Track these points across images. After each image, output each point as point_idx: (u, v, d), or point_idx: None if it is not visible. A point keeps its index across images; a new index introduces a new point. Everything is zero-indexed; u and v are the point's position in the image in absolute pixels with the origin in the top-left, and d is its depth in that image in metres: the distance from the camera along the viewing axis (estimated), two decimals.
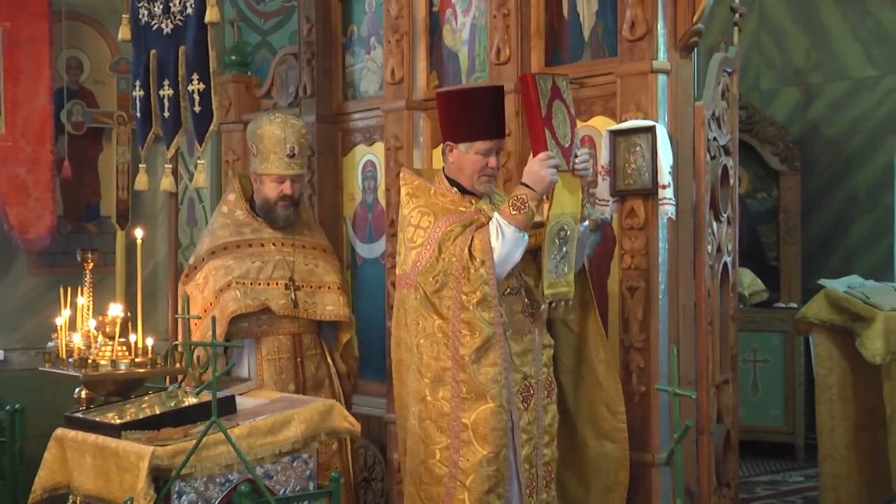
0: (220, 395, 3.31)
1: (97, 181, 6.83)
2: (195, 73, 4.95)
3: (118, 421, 3.36)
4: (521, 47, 4.39)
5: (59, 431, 3.49)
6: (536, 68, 4.34)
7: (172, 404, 3.51)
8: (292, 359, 4.33)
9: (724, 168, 4.34)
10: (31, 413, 4.65)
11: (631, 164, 3.95)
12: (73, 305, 4.37)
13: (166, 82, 5.13)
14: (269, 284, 4.27)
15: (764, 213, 7.44)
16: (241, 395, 3.73)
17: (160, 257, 6.80)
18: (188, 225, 6.87)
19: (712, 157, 4.22)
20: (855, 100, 7.40)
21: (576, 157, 3.64)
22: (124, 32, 5.34)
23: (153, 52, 5.21)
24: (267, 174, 4.31)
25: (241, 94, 5.87)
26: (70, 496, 3.63)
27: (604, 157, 4.01)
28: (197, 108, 4.96)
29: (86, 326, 4.36)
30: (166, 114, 5.13)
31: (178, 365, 3.93)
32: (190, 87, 4.97)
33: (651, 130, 3.89)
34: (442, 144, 3.83)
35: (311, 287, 4.36)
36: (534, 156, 3.56)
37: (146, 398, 3.71)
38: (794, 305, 6.97)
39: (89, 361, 3.86)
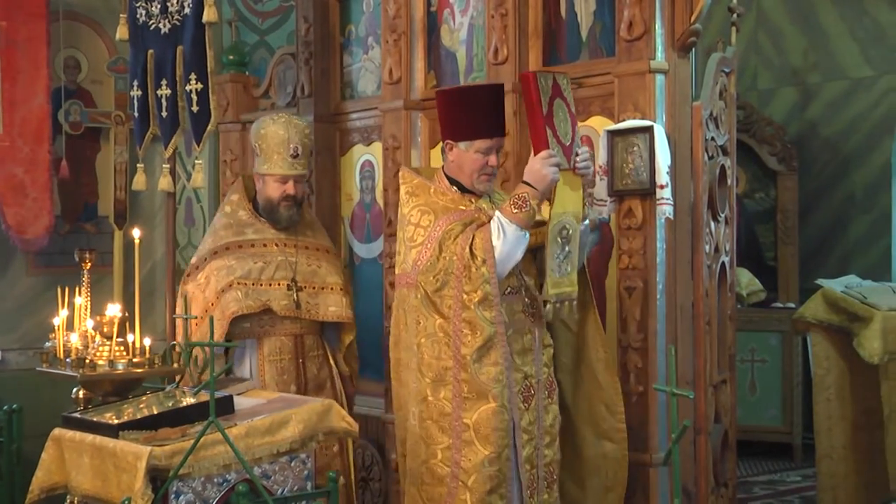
0: (218, 395, 3.31)
1: (95, 181, 6.82)
2: (193, 73, 4.95)
3: (116, 421, 3.36)
4: (519, 47, 4.39)
5: (57, 431, 3.48)
6: (534, 68, 4.34)
7: (170, 404, 3.50)
8: (294, 360, 4.30)
9: (722, 168, 4.34)
10: (29, 413, 4.65)
11: (629, 164, 3.95)
12: (71, 305, 4.37)
13: (164, 82, 5.12)
14: (270, 285, 4.25)
15: (762, 213, 7.44)
16: (238, 395, 3.73)
17: (158, 257, 6.80)
18: (186, 225, 6.87)
19: (710, 157, 4.22)
20: (852, 100, 7.40)
21: (577, 155, 3.64)
22: (122, 32, 5.34)
23: (151, 51, 5.21)
24: (270, 174, 4.28)
25: (239, 93, 5.86)
26: (67, 496, 3.62)
27: (601, 157, 4.01)
28: (195, 108, 4.96)
29: (83, 326, 4.35)
30: (164, 114, 5.13)
31: (175, 365, 3.92)
32: (188, 87, 4.97)
33: (649, 130, 3.89)
34: (441, 143, 3.83)
35: (314, 288, 4.34)
36: (535, 154, 3.56)
37: (144, 398, 3.71)
38: (792, 305, 6.97)
39: (87, 361, 3.85)
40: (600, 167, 4.02)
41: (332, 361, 4.46)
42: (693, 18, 3.97)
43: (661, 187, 3.89)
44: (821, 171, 7.50)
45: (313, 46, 5.30)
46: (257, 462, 3.33)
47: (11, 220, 6.28)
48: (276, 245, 4.34)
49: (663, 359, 3.95)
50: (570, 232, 3.64)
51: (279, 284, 4.27)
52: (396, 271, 3.81)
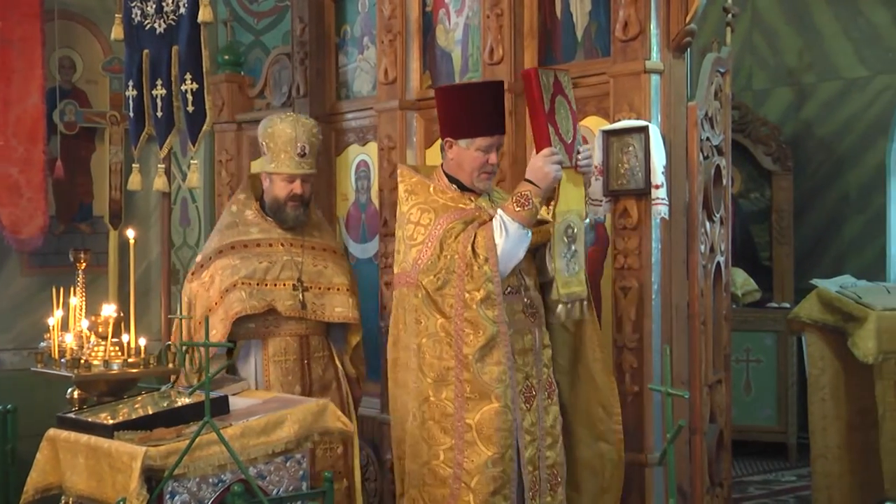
0: (213, 395, 3.31)
1: (90, 181, 6.82)
2: (188, 73, 4.94)
3: (111, 421, 3.35)
4: (515, 47, 4.39)
5: (52, 432, 3.48)
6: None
7: (165, 404, 3.50)
8: (299, 360, 4.27)
9: (717, 168, 4.35)
10: (23, 413, 4.63)
11: (624, 165, 3.95)
12: (66, 305, 4.36)
13: (159, 82, 5.11)
14: (275, 285, 4.21)
15: (757, 213, 7.45)
16: (234, 395, 3.73)
17: (153, 257, 6.79)
18: (181, 225, 6.86)
19: (705, 157, 4.23)
20: (847, 100, 7.41)
21: (578, 153, 3.63)
22: (117, 32, 5.33)
23: (146, 51, 5.19)
24: (277, 173, 4.25)
25: (235, 93, 5.86)
26: (62, 497, 3.61)
27: (597, 157, 4.01)
28: (190, 108, 4.95)
29: (78, 326, 4.34)
30: (159, 113, 5.12)
31: (170, 365, 3.92)
32: (183, 87, 4.96)
33: (644, 130, 3.89)
34: (438, 142, 3.82)
35: (320, 288, 4.30)
36: (537, 152, 3.55)
37: (139, 398, 3.70)
38: (787, 305, 6.98)
39: (82, 362, 3.84)
40: (596, 167, 4.02)
41: (337, 363, 4.40)
42: (688, 19, 3.97)
43: (657, 187, 3.90)
44: (816, 171, 7.51)
45: (309, 46, 5.30)
46: (253, 462, 3.32)
47: (6, 220, 6.28)
48: (282, 245, 4.31)
49: (658, 359, 3.95)
50: (576, 230, 3.63)
51: (284, 284, 4.23)
52: (395, 270, 3.79)
